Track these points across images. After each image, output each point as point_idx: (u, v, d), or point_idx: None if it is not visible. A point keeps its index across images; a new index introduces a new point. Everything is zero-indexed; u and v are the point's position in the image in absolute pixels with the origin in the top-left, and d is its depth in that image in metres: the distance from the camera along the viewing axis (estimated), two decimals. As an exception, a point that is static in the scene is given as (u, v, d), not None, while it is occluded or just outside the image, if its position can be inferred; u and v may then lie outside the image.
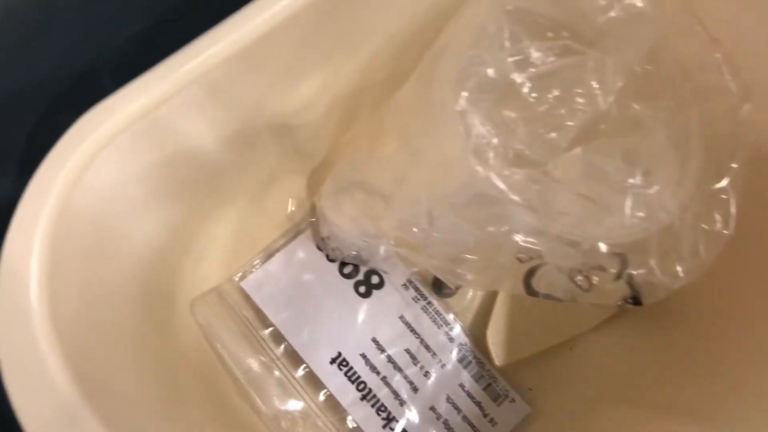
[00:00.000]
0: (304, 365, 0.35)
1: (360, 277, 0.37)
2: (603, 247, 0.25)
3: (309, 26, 0.27)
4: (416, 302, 0.37)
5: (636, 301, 0.27)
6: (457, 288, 0.38)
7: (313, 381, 0.35)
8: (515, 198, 0.23)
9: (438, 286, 0.38)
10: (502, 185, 0.23)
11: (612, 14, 0.28)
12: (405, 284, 0.37)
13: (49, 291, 0.20)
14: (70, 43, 0.23)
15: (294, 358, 0.35)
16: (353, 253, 0.36)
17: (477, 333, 0.38)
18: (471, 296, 0.39)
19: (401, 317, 0.37)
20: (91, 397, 0.21)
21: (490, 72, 0.25)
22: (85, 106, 0.23)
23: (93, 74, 0.25)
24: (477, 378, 0.37)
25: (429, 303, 0.37)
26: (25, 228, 0.21)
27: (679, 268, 0.26)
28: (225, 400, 0.34)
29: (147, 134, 0.25)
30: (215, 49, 0.24)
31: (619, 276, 0.27)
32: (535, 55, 0.26)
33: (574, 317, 0.38)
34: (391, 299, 0.37)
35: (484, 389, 0.37)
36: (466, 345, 0.37)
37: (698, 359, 0.33)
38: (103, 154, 0.23)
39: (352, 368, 0.36)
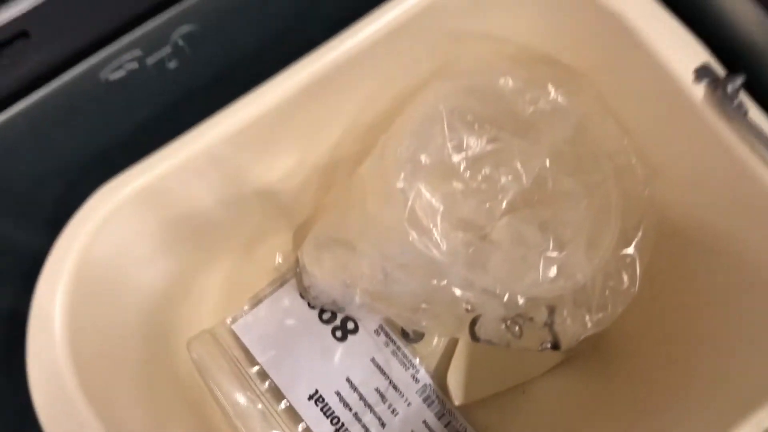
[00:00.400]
0: (285, 400, 0.39)
1: (337, 322, 0.41)
2: (521, 300, 0.30)
3: (291, 112, 0.33)
4: (387, 346, 0.42)
5: (555, 346, 0.32)
6: (422, 335, 0.42)
7: (293, 415, 0.39)
8: (443, 259, 0.28)
9: (406, 333, 0.43)
10: (434, 251, 0.28)
11: (537, 107, 0.33)
12: (377, 330, 0.42)
13: (69, 325, 0.26)
14: (89, 129, 0.30)
15: (277, 393, 0.39)
16: (331, 301, 0.41)
17: (440, 375, 0.42)
18: (436, 342, 0.43)
19: (373, 360, 0.41)
20: (100, 412, 0.27)
21: (430, 155, 0.30)
22: (103, 177, 0.29)
23: (106, 154, 0.31)
24: (439, 416, 0.41)
25: (398, 347, 0.42)
26: (52, 276, 0.27)
27: (587, 319, 0.30)
28: (213, 429, 0.38)
29: (154, 200, 0.31)
30: (218, 130, 0.30)
31: (543, 324, 0.32)
32: (468, 141, 0.32)
33: (526, 363, 0.42)
34: (364, 343, 0.41)
35: (446, 426, 0.41)
36: (430, 386, 0.41)
37: (631, 401, 0.37)
38: (115, 218, 0.29)
39: (327, 404, 0.40)
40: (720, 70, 0.29)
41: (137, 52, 0.28)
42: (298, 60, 0.30)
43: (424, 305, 0.35)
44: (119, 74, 0.28)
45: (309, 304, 0.41)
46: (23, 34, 0.26)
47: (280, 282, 0.42)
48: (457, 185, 0.32)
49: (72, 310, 0.27)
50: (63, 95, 0.27)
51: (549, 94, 0.33)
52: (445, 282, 0.31)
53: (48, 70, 0.26)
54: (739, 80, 0.27)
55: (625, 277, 0.32)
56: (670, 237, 0.32)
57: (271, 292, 0.41)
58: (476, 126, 0.32)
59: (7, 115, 0.27)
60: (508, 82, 0.34)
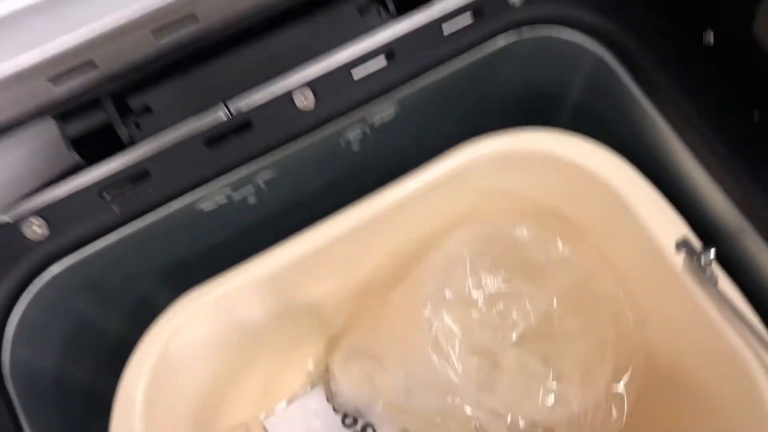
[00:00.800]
0: (305, 495, 0.44)
1: (358, 428, 0.46)
2: (522, 423, 0.35)
3: (340, 245, 0.38)
4: (401, 454, 0.46)
5: (550, 467, 0.37)
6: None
7: None
8: (458, 381, 0.34)
9: (420, 443, 0.47)
10: (451, 373, 0.34)
11: (548, 256, 0.40)
12: (394, 438, 0.46)
13: (146, 411, 0.32)
14: (179, 246, 0.37)
15: (298, 487, 0.44)
16: (355, 407, 0.45)
17: (448, 486, 0.46)
18: (446, 455, 0.48)
19: (388, 465, 0.46)
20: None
21: (453, 291, 0.37)
22: (182, 283, 0.36)
23: (186, 265, 0.38)
24: None
25: (411, 456, 0.46)
26: (137, 367, 0.32)
27: (578, 446, 0.35)
28: None
29: (221, 310, 0.37)
30: (278, 258, 0.37)
31: (542, 447, 0.37)
32: (486, 281, 0.38)
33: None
34: (381, 449, 0.46)
35: None
36: (438, 495, 0.45)
37: None
38: (190, 322, 0.35)
39: (342, 503, 0.44)
40: (696, 243, 0.35)
41: (228, 190, 0.35)
42: (349, 205, 0.37)
43: (438, 419, 0.40)
44: (211, 206, 0.35)
45: (334, 409, 0.46)
46: (145, 173, 0.33)
47: (310, 385, 0.47)
48: (475, 316, 0.38)
49: (149, 397, 0.32)
50: (167, 221, 0.34)
51: (557, 246, 0.40)
52: (458, 400, 0.37)
53: (159, 201, 0.33)
54: (711, 255, 0.33)
55: (614, 411, 0.37)
56: (657, 377, 0.37)
57: (302, 395, 0.46)
58: (494, 269, 0.38)
59: (122, 234, 0.34)
60: (523, 233, 0.40)
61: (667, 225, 0.36)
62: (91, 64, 0.33)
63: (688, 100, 0.35)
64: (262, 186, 0.37)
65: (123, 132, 0.34)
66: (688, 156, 0.36)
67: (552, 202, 0.41)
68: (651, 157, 0.38)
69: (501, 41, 0.37)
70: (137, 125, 0.35)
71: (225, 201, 0.36)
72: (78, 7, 0.31)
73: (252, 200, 0.37)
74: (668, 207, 0.36)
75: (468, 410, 0.37)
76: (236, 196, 0.36)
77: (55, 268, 0.33)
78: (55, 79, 0.33)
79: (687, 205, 0.37)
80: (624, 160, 0.37)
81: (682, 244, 0.35)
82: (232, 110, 0.35)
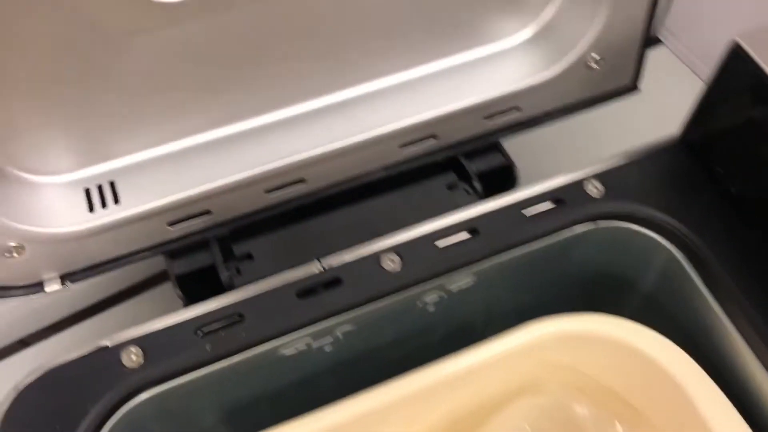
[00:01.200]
0: None
1: None
2: None
3: (399, 406, 0.40)
4: None
5: None
6: None
7: None
8: None
9: None
10: None
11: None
12: None
13: None
14: (255, 384, 0.39)
15: None
16: None
17: None
18: None
19: None
20: None
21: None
22: (252, 419, 0.38)
23: (253, 402, 0.40)
24: None
25: None
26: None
27: None
28: None
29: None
30: (343, 414, 0.38)
31: None
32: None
33: None
34: None
35: None
36: None
37: None
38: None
39: None
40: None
41: (309, 339, 0.38)
42: (415, 369, 0.38)
43: None
44: (291, 352, 0.38)
45: None
46: (240, 316, 0.36)
47: None
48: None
49: None
50: (249, 362, 0.36)
51: (615, 428, 0.40)
52: None
53: (248, 344, 0.36)
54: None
55: None
56: None
57: None
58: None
59: (207, 370, 0.36)
60: (583, 410, 0.41)
61: (730, 427, 0.36)
62: (207, 212, 0.37)
63: (755, 306, 0.36)
64: (340, 337, 0.39)
65: (224, 275, 0.38)
66: (753, 359, 0.37)
67: (614, 384, 0.42)
68: (716, 355, 0.39)
69: (578, 228, 0.40)
70: (238, 270, 0.38)
71: (304, 348, 0.38)
72: (209, 165, 0.36)
73: (328, 349, 0.39)
74: (732, 408, 0.37)
75: None
76: (315, 345, 0.38)
77: (143, 395, 0.35)
78: (174, 223, 0.37)
79: (749, 406, 0.37)
80: (689, 358, 0.38)
81: (746, 453, 0.35)
82: (324, 266, 0.38)
